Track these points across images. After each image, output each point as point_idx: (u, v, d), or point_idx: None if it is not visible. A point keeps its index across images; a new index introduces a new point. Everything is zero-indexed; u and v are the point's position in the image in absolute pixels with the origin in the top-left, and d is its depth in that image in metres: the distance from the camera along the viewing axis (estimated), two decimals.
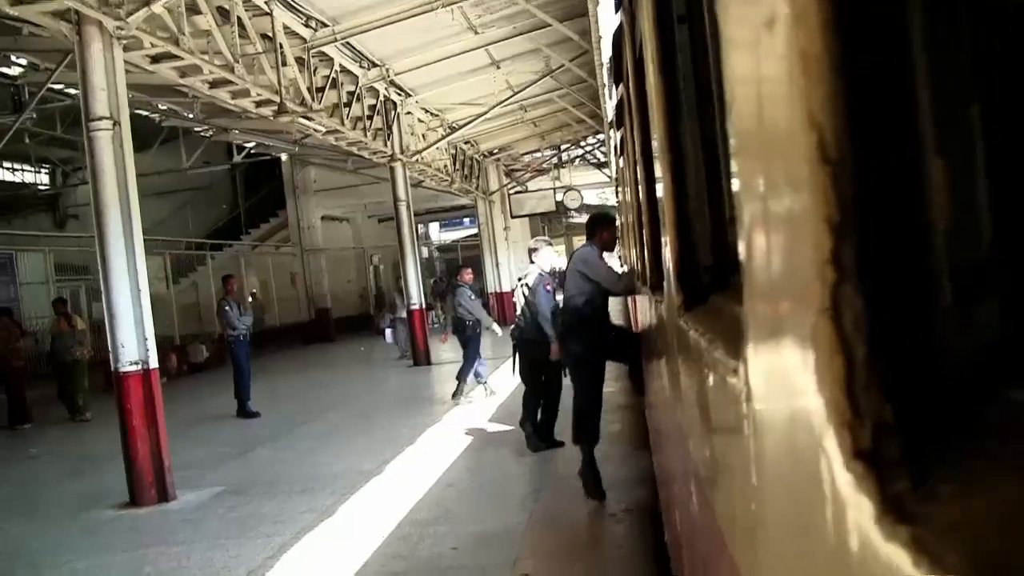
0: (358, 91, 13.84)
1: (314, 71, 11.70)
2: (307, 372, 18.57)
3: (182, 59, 8.85)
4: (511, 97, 16.57)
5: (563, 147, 29.59)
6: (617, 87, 5.66)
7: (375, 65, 14.24)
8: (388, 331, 18.96)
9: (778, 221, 0.65)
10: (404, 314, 18.33)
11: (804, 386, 0.58)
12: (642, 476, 6.61)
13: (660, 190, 1.88)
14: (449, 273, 34.92)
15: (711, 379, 1.17)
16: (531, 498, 6.73)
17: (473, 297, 11.16)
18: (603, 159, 30.76)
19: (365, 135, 14.39)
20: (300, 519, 6.32)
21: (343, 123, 13.32)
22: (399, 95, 15.70)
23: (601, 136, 27.79)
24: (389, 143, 15.91)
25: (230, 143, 23.97)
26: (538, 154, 28.64)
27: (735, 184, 0.79)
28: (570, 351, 6.35)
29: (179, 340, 20.48)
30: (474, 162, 24.99)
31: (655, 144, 1.93)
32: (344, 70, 12.92)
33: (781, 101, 0.59)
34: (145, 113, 18.14)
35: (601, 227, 6.55)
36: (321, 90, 12.09)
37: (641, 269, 4.39)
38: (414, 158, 17.47)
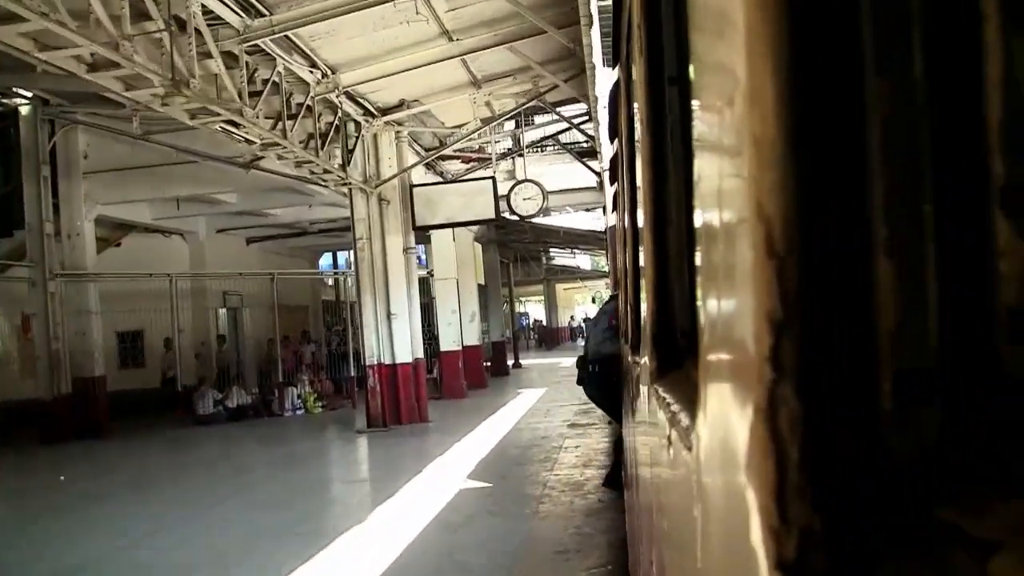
0: None
1: None
2: None
3: None
4: None
5: (514, 114, 17.94)
6: (612, 142, 6.04)
7: None
8: None
9: (727, 310, 0.67)
10: None
11: (739, 483, 0.60)
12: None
13: (642, 249, 2.05)
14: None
15: (671, 452, 1.19)
16: None
17: None
18: (590, 142, 20.05)
19: None
20: None
21: None
22: None
23: (583, 106, 17.67)
24: None
25: None
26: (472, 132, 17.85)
27: (697, 263, 0.82)
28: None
29: None
30: (340, 119, 15.08)
31: (640, 202, 2.06)
32: None
33: (734, 186, 0.61)
34: None
35: None
36: None
37: (625, 328, 4.40)
38: None
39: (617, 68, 3.97)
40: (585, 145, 19.99)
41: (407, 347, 16.67)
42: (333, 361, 22.43)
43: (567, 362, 36.99)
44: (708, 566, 0.81)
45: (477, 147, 20.19)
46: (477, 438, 14.09)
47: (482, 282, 28.16)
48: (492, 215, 16.08)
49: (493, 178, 16.12)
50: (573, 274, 50.92)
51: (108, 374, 18.78)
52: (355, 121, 15.84)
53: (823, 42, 0.52)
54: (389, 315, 16.53)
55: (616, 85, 4.35)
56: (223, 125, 10.75)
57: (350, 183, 15.66)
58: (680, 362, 1.59)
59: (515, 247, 34.57)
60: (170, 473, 12.63)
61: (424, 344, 23.31)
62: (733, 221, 0.61)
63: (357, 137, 15.88)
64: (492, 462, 11.63)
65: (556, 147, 20.23)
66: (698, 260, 0.82)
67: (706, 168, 0.75)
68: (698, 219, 0.80)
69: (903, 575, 0.48)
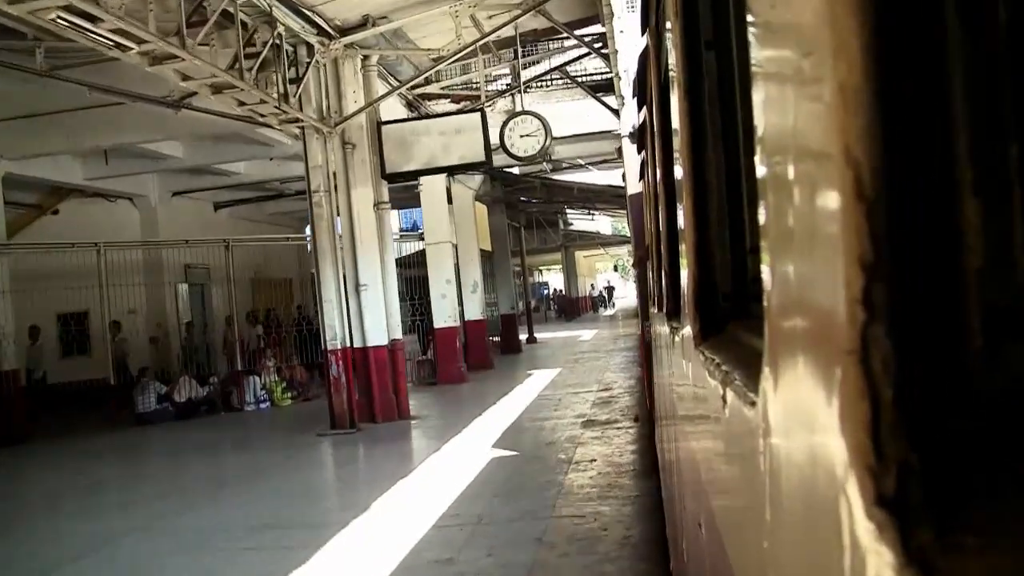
0: None
1: None
2: None
3: None
4: None
5: (509, 33, 14.22)
6: (640, 110, 6.16)
7: None
8: None
9: (806, 257, 0.70)
10: None
11: (826, 426, 0.62)
12: (649, 506, 6.53)
13: (680, 215, 2.13)
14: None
15: (727, 411, 1.25)
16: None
17: None
18: (606, 75, 16.59)
19: None
20: None
21: None
22: None
23: (600, 28, 14.30)
24: None
25: None
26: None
27: (762, 215, 0.86)
28: None
29: None
30: (279, 35, 11.84)
31: (677, 169, 2.15)
32: None
33: (815, 134, 0.64)
34: None
35: None
36: None
37: (657, 295, 4.78)
38: None
39: (646, 35, 4.03)
40: (599, 78, 16.34)
41: (381, 326, 13.73)
42: (306, 343, 19.05)
43: (587, 336, 33.80)
44: (782, 516, 0.85)
45: (474, 83, 16.57)
46: (463, 445, 11.07)
47: (488, 248, 24.78)
48: (481, 157, 13.02)
49: (482, 110, 12.73)
50: (593, 239, 48.10)
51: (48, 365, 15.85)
52: (307, 43, 12.36)
53: None
54: (358, 287, 13.33)
55: (645, 52, 4.45)
56: (63, 15, 7.35)
57: (302, 121, 12.23)
58: (723, 326, 1.70)
59: (526, 209, 31.16)
60: (46, 504, 9.69)
61: (417, 321, 19.94)
62: (814, 169, 0.65)
63: (309, 63, 12.38)
64: (472, 491, 8.39)
65: (565, 81, 16.65)
66: (764, 212, 0.86)
67: (776, 121, 0.79)
68: (765, 173, 0.84)
69: (1001, 505, 0.50)
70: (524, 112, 14.19)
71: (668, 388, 3.74)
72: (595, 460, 9.78)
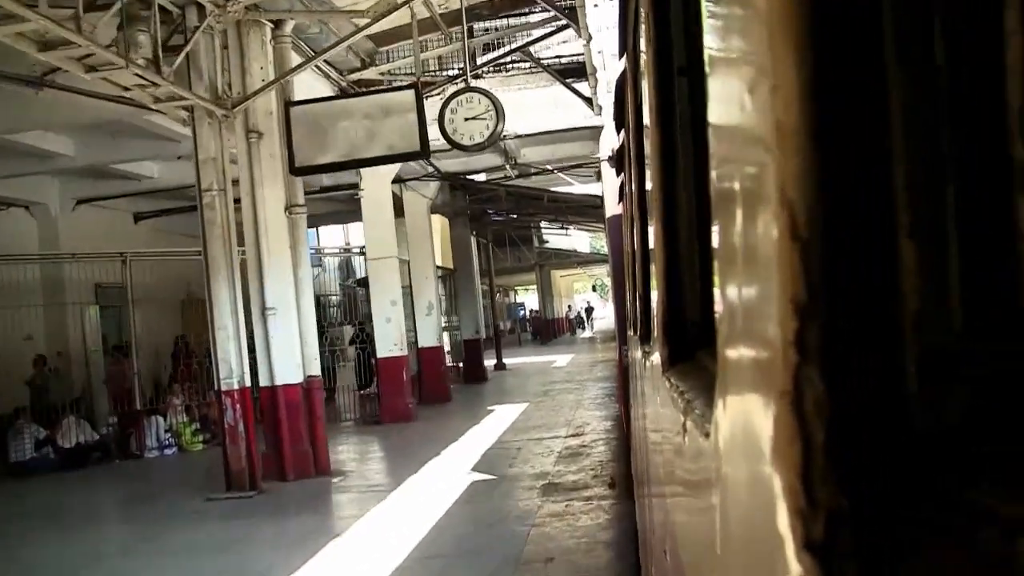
0: None
1: None
2: None
3: None
4: None
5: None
6: (619, 133, 6.33)
7: None
8: None
9: (748, 295, 0.70)
10: None
11: (764, 466, 0.63)
12: (624, 529, 6.23)
13: (651, 240, 2.24)
14: None
15: (686, 440, 1.22)
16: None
17: None
18: (576, 59, 14.27)
19: None
20: None
21: None
22: None
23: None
24: None
25: None
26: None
27: (714, 247, 0.88)
28: None
29: None
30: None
31: (649, 193, 2.30)
32: None
33: (755, 171, 0.64)
34: None
35: None
36: None
37: (632, 318, 4.78)
38: None
39: (623, 59, 4.11)
40: (570, 60, 13.77)
41: (294, 360, 11.32)
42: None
43: (562, 362, 31.26)
44: (729, 550, 0.87)
45: (409, 69, 13.93)
46: (380, 522, 8.47)
47: (448, 265, 22.12)
48: (416, 147, 10.32)
49: (416, 85, 9.94)
50: (569, 258, 45.54)
51: None
52: (197, 4, 9.73)
53: (845, 29, 0.55)
54: (264, 310, 10.55)
55: (623, 75, 4.57)
56: None
57: (188, 101, 9.50)
58: (691, 352, 1.72)
59: (495, 224, 28.43)
60: None
61: (358, 349, 17.11)
62: (754, 207, 0.66)
63: (197, 29, 9.71)
64: None
65: (530, 65, 14.00)
66: (714, 247, 0.88)
67: (724, 156, 0.80)
68: (715, 207, 0.86)
69: (932, 554, 0.50)
70: (470, 89, 11.00)
71: (640, 413, 3.82)
72: (552, 559, 7.09)
